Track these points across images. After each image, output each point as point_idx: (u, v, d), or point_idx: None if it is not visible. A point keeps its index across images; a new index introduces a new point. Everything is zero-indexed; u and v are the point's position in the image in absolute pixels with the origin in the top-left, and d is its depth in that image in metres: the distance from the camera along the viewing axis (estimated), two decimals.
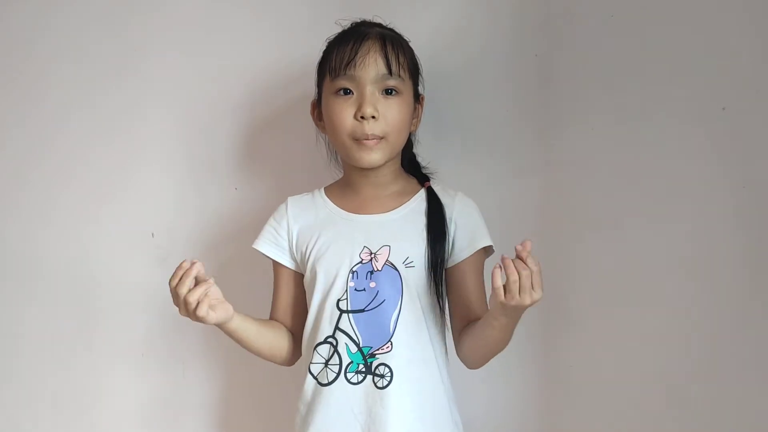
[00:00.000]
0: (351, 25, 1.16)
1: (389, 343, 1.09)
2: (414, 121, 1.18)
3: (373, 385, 1.08)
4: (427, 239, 1.12)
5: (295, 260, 1.18)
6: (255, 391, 1.43)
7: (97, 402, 1.50)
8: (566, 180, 1.28)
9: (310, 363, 1.12)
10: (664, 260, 1.22)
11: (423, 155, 1.26)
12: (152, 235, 1.47)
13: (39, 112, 1.52)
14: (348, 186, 1.19)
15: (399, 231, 1.13)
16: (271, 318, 1.22)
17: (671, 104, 1.22)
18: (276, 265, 1.20)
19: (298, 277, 1.19)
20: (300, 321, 1.18)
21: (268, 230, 1.20)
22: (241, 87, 1.43)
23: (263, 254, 1.19)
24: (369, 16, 1.18)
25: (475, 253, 1.14)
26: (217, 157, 1.45)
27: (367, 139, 1.10)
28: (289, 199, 1.21)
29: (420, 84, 1.20)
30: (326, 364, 1.10)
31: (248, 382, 1.43)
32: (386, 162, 1.14)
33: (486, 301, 1.16)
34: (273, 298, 1.22)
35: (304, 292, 1.19)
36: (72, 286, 1.51)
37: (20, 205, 1.54)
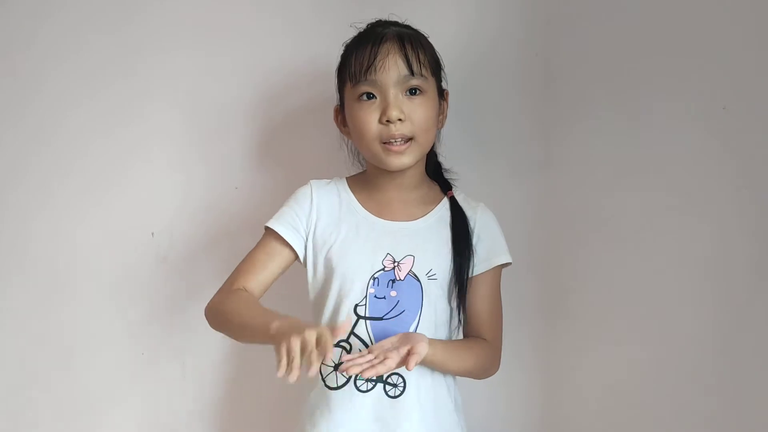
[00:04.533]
0: (367, 26, 1.14)
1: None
2: (440, 117, 1.16)
3: (384, 393, 1.07)
4: (453, 253, 1.11)
5: (306, 248, 1.14)
6: (255, 391, 1.42)
7: (96, 402, 1.50)
8: (567, 180, 1.28)
9: (321, 365, 1.09)
10: (664, 260, 1.22)
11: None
12: (152, 234, 1.47)
13: (38, 110, 1.52)
14: (372, 184, 1.17)
15: (424, 241, 1.12)
16: (240, 282, 1.11)
17: (671, 104, 1.22)
18: (280, 246, 1.13)
19: (292, 262, 1.15)
20: (261, 296, 1.12)
21: (288, 214, 1.14)
22: (242, 87, 1.43)
23: (280, 235, 1.12)
24: (380, 16, 1.17)
25: (492, 268, 1.14)
26: (218, 157, 1.45)
27: (395, 141, 1.08)
28: (312, 182, 1.17)
29: (443, 79, 1.18)
30: (336, 368, 1.09)
31: (249, 382, 1.43)
32: (416, 162, 1.13)
33: (494, 316, 1.16)
34: (254, 266, 1.12)
35: (281, 274, 1.15)
36: (71, 286, 1.51)
37: (18, 204, 1.53)
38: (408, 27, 1.14)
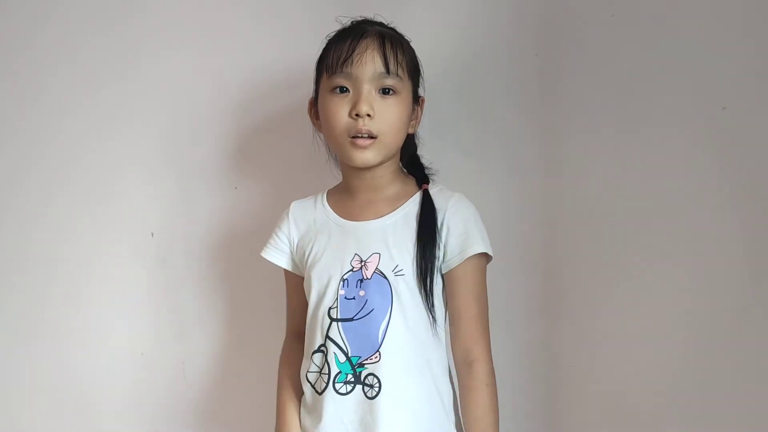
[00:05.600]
0: (351, 23, 1.15)
1: (377, 353, 1.07)
2: (412, 122, 1.16)
3: (363, 395, 1.07)
4: (417, 246, 1.09)
5: (297, 265, 1.18)
6: (256, 392, 1.42)
7: (96, 402, 1.50)
8: (566, 180, 1.28)
9: (308, 371, 1.11)
10: (664, 260, 1.22)
11: (423, 155, 1.25)
12: (152, 235, 1.47)
13: (36, 112, 1.52)
14: (346, 189, 1.18)
15: (389, 238, 1.11)
16: (289, 327, 1.23)
17: (671, 104, 1.22)
18: (287, 272, 1.21)
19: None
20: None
21: (272, 237, 1.20)
22: (242, 87, 1.43)
23: (271, 262, 1.19)
24: (370, 16, 1.17)
25: (467, 260, 1.09)
26: (218, 157, 1.45)
27: (361, 136, 1.08)
28: (293, 204, 1.21)
29: (420, 86, 1.19)
30: (320, 372, 1.10)
31: (249, 383, 1.43)
32: (381, 162, 1.12)
33: (473, 311, 1.10)
34: (287, 308, 1.23)
35: None
36: (71, 287, 1.51)
37: (18, 206, 1.53)
38: (392, 29, 1.15)
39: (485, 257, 1.12)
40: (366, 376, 1.07)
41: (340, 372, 1.08)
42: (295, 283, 1.20)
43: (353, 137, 1.09)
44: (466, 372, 1.09)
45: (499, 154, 1.31)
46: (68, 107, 1.51)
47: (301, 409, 1.14)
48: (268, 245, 1.20)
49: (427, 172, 1.21)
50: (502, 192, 1.30)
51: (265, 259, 1.20)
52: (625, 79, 1.24)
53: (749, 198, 1.18)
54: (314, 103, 1.18)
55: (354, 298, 1.08)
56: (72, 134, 1.51)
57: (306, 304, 1.17)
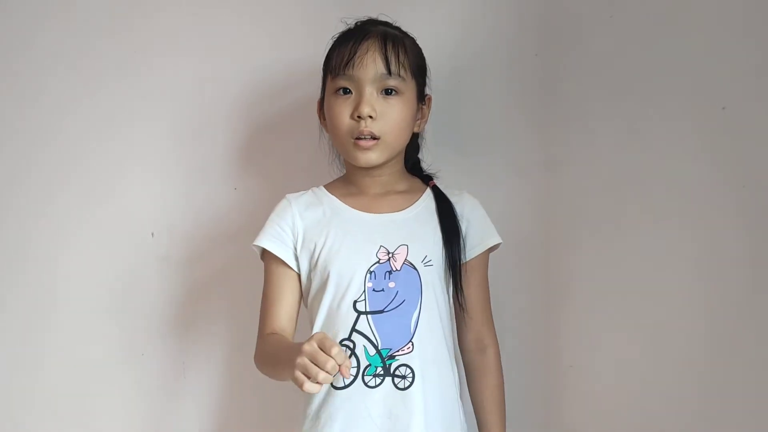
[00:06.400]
0: (356, 23, 1.15)
1: (410, 343, 1.07)
2: (418, 122, 1.17)
3: (393, 386, 1.07)
4: (443, 238, 1.12)
5: (297, 260, 1.14)
6: (256, 392, 1.42)
7: (96, 402, 1.50)
8: (566, 180, 1.28)
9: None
10: (664, 260, 1.22)
11: (422, 155, 1.26)
12: (152, 235, 1.47)
13: (37, 113, 1.52)
14: (353, 184, 1.18)
15: (414, 230, 1.12)
16: (270, 329, 1.12)
17: (671, 104, 1.22)
18: (278, 267, 1.14)
19: (299, 279, 1.15)
20: (294, 329, 1.14)
21: (271, 227, 1.14)
22: (241, 87, 1.43)
23: (271, 252, 1.12)
24: (375, 16, 1.17)
25: (485, 250, 1.16)
26: (217, 157, 1.45)
27: (364, 138, 1.09)
28: (289, 195, 1.17)
29: (427, 84, 1.18)
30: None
31: (249, 383, 1.43)
32: (386, 162, 1.13)
33: (487, 304, 1.18)
34: (271, 306, 1.14)
35: (301, 295, 1.16)
36: (72, 286, 1.51)
37: (18, 206, 1.53)
38: (397, 28, 1.15)
39: (490, 249, 1.18)
40: (397, 368, 1.07)
41: (369, 365, 1.07)
42: (291, 280, 1.14)
43: (356, 138, 1.09)
44: (479, 357, 1.17)
45: (500, 154, 1.32)
46: (68, 107, 1.50)
47: (309, 408, 1.10)
48: (266, 235, 1.13)
49: (425, 173, 1.23)
50: (502, 191, 1.30)
51: (255, 251, 1.14)
52: (625, 79, 1.25)
53: (749, 198, 1.18)
54: (321, 104, 1.19)
55: (383, 290, 1.08)
56: (72, 134, 1.51)
57: (296, 305, 1.15)
